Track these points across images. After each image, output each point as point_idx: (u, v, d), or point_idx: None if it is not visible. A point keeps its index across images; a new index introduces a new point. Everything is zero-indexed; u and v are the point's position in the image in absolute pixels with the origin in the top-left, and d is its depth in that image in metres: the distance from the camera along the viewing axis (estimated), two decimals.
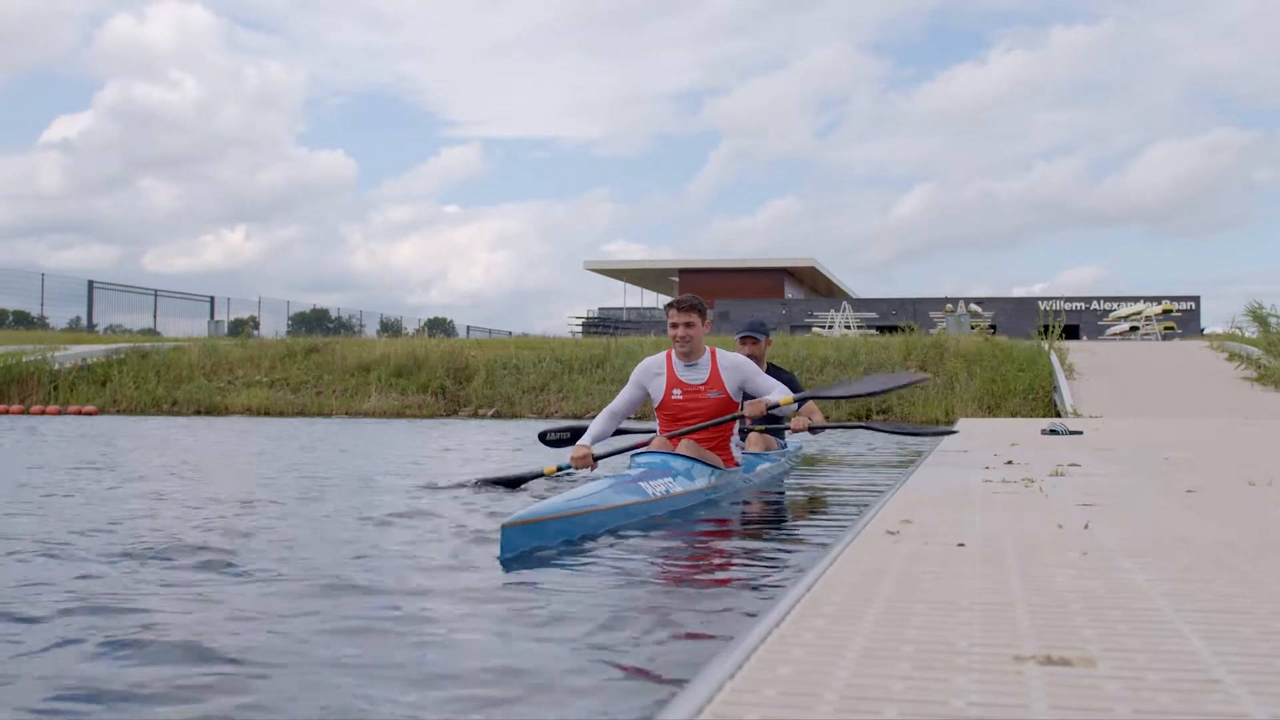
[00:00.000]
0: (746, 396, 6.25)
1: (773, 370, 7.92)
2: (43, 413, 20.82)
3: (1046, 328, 22.10)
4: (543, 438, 7.98)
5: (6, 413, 20.78)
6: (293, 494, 6.25)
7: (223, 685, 2.30)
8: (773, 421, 7.51)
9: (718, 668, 1.53)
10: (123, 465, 8.39)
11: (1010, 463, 5.73)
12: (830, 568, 2.39)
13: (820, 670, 1.53)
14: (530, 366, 22.69)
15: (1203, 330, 40.31)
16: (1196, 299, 46.89)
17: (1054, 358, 20.38)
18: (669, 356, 6.19)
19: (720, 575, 3.65)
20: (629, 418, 6.63)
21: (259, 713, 2.15)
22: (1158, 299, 43.89)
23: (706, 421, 6.04)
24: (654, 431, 6.39)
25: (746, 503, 6.04)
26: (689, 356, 6.09)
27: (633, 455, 5.95)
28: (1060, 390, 18.10)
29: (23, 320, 36.58)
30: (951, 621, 1.85)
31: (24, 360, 22.68)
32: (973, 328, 28.34)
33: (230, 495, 6.09)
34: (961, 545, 2.73)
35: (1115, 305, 45.71)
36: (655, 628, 2.81)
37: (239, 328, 36.55)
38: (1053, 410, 17.98)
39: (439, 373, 22.74)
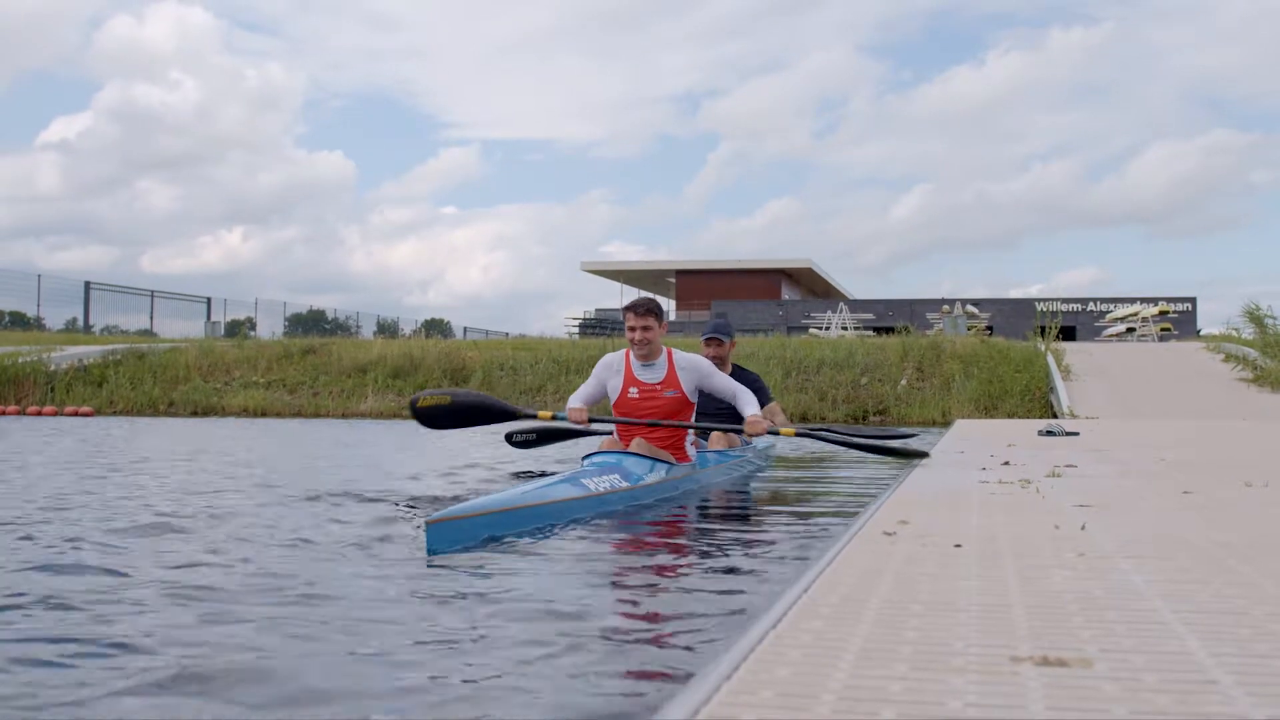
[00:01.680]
0: (703, 395, 6.47)
1: (738, 372, 7.98)
2: (39, 413, 20.78)
3: (1043, 329, 22.12)
4: (509, 439, 7.99)
5: (3, 413, 20.76)
6: (221, 495, 6.21)
7: (167, 693, 2.27)
8: (735, 420, 7.60)
9: (715, 669, 1.53)
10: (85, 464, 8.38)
11: (1007, 464, 5.74)
12: (827, 569, 2.39)
13: (818, 671, 1.53)
14: (527, 367, 22.68)
15: (1199, 331, 40.35)
16: (1193, 300, 47.00)
17: (1050, 359, 20.38)
18: (628, 355, 6.38)
19: (709, 575, 3.63)
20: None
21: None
22: (1154, 300, 43.94)
23: (659, 419, 6.19)
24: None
25: (710, 500, 6.10)
26: (647, 357, 6.28)
27: (583, 457, 6.05)
28: (1057, 391, 18.10)
29: (19, 321, 36.55)
30: (948, 622, 1.85)
31: (20, 361, 22.65)
32: (969, 329, 28.36)
33: (164, 496, 6.05)
34: (958, 546, 2.73)
35: (1112, 306, 45.78)
36: (646, 629, 2.81)
37: (236, 329, 36.53)
38: (1049, 411, 17.98)
39: (436, 374, 22.72)
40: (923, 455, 6.29)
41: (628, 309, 6.30)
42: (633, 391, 6.26)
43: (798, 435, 6.51)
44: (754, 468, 7.79)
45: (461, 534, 4.23)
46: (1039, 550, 2.67)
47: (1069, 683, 1.47)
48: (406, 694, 2.26)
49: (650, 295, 6.44)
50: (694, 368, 6.33)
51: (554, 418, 6.35)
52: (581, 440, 6.53)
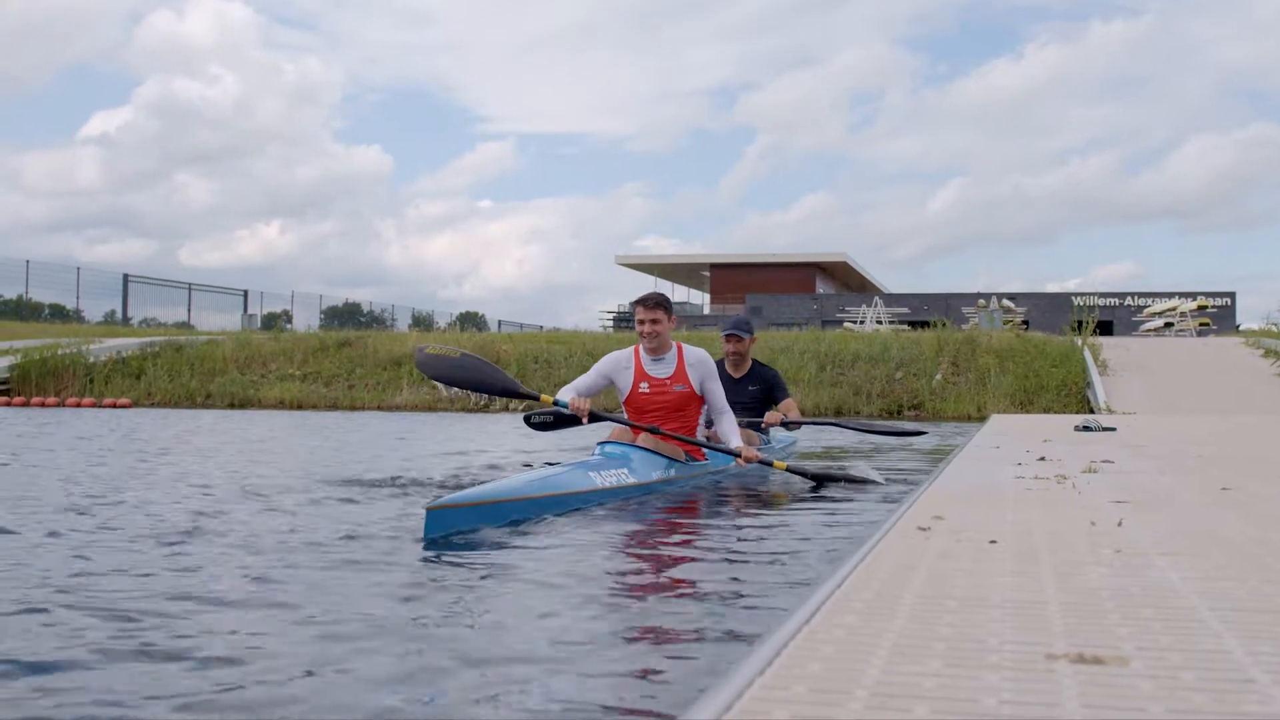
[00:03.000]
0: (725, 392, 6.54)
1: (757, 367, 8.22)
2: (78, 405, 21.00)
3: (1080, 323, 21.97)
4: (528, 420, 8.10)
5: (42, 405, 20.98)
6: (226, 481, 6.26)
7: (176, 690, 2.23)
8: (752, 416, 7.90)
9: (748, 664, 1.53)
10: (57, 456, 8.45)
11: (1043, 459, 5.70)
12: (861, 564, 2.38)
13: (851, 667, 1.53)
14: (561, 360, 22.72)
15: (1238, 326, 39.97)
16: (1232, 295, 46.53)
17: (1087, 354, 20.24)
18: (637, 351, 6.45)
19: (727, 569, 3.60)
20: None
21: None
22: (1192, 295, 43.56)
23: (670, 414, 6.29)
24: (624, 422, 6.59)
25: (730, 494, 6.11)
26: (656, 352, 6.37)
27: (598, 444, 6.09)
28: (1094, 386, 17.98)
29: (59, 313, 36.97)
30: (983, 619, 1.84)
31: (59, 353, 22.89)
32: (1005, 323, 28.20)
33: (162, 489, 6.01)
34: (993, 542, 2.72)
35: (1149, 301, 45.40)
36: (675, 622, 2.79)
37: (272, 321, 36.82)
38: (1086, 407, 17.85)
39: None
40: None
41: (637, 303, 6.40)
42: (644, 386, 6.34)
43: (789, 469, 6.41)
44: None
45: (461, 522, 4.23)
46: (1075, 546, 2.65)
47: (1105, 680, 1.46)
48: (409, 687, 2.23)
49: (660, 291, 6.51)
50: (702, 364, 6.40)
51: (555, 403, 6.28)
52: (602, 428, 6.51)
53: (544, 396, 6.31)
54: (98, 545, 3.95)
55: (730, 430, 6.37)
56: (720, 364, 7.99)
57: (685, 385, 6.32)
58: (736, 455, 6.21)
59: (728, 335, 8.07)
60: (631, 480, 5.53)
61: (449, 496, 4.35)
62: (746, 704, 1.36)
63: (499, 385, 6.46)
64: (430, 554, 3.84)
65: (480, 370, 6.42)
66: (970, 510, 3.44)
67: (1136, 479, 4.57)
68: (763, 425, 7.91)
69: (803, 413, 16.95)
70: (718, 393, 6.43)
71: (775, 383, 8.12)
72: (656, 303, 6.34)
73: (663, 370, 6.34)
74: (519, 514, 4.59)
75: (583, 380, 6.40)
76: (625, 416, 6.41)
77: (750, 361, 8.15)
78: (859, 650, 1.62)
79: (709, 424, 7.37)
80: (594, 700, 2.14)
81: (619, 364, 6.43)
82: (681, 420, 6.34)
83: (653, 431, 6.12)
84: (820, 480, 6.24)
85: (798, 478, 6.38)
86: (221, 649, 2.48)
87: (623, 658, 2.45)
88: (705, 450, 6.48)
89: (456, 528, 4.19)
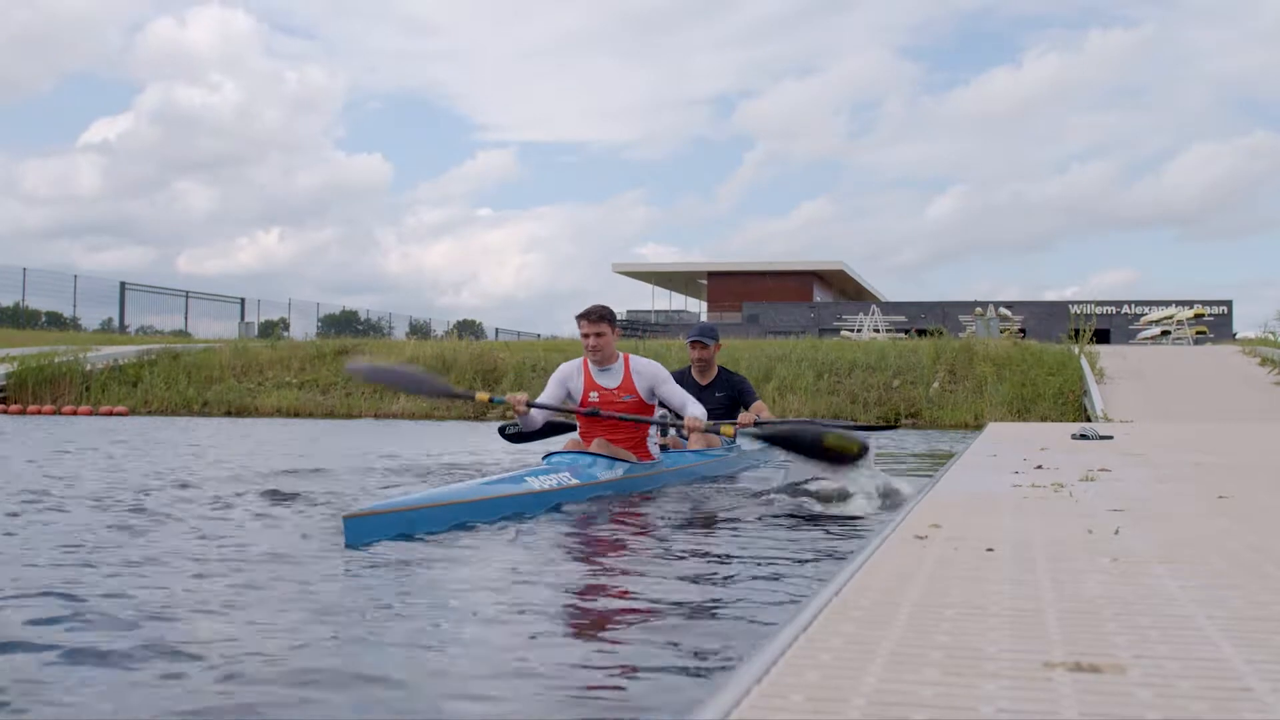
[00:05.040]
0: (660, 400, 6.62)
1: (724, 374, 8.36)
2: (74, 413, 20.97)
3: (1077, 331, 21.97)
4: (502, 432, 8.14)
5: (38, 413, 20.94)
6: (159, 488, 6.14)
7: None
8: (725, 419, 7.88)
9: (745, 672, 1.53)
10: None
11: (1040, 467, 5.70)
12: (858, 572, 2.38)
13: (848, 675, 1.53)
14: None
15: (1235, 335, 40.02)
16: (1229, 303, 46.63)
17: (1084, 362, 20.24)
18: (585, 362, 6.56)
19: (728, 577, 3.60)
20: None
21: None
22: (1190, 303, 43.64)
23: (624, 414, 6.35)
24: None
25: (688, 501, 6.00)
26: (602, 363, 6.49)
27: (543, 456, 6.13)
28: (1091, 394, 17.97)
29: (55, 321, 36.95)
30: (980, 627, 1.84)
31: (56, 361, 22.85)
32: (1002, 331, 28.21)
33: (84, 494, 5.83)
34: (991, 550, 2.72)
35: (1147, 309, 45.46)
36: (670, 630, 2.77)
37: (269, 329, 36.78)
38: (1083, 415, 17.85)
39: (468, 375, 22.77)
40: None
41: (581, 316, 6.50)
42: (593, 395, 6.46)
43: (737, 435, 6.44)
44: (739, 468, 7.81)
45: (383, 530, 4.08)
46: (1072, 555, 2.65)
47: (1102, 688, 1.46)
48: (416, 694, 2.21)
49: (603, 304, 6.58)
50: (649, 374, 6.52)
51: (490, 400, 6.41)
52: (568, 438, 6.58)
53: (479, 395, 6.39)
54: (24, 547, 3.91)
55: (692, 407, 6.39)
56: (686, 371, 8.15)
57: (633, 395, 6.46)
58: (718, 431, 6.19)
59: (692, 342, 8.20)
60: (574, 482, 5.48)
61: (368, 505, 4.26)
62: (744, 711, 1.36)
63: (429, 389, 6.79)
64: (350, 565, 3.69)
65: (410, 376, 6.70)
66: (968, 518, 3.44)
67: (1134, 487, 4.57)
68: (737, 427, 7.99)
69: (798, 416, 16.93)
70: (674, 389, 6.52)
71: (742, 387, 8.27)
72: (600, 316, 6.45)
73: (610, 380, 6.48)
74: (445, 521, 4.44)
75: (545, 393, 6.52)
76: (557, 408, 6.53)
77: (716, 368, 8.29)
78: (857, 659, 1.62)
79: (664, 432, 7.40)
80: (589, 710, 2.14)
81: (569, 374, 6.55)
82: (633, 428, 6.45)
83: (592, 414, 6.26)
84: (778, 441, 5.90)
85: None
86: (137, 662, 2.40)
87: (617, 666, 2.44)
88: (654, 450, 6.58)
89: (378, 536, 4.03)
